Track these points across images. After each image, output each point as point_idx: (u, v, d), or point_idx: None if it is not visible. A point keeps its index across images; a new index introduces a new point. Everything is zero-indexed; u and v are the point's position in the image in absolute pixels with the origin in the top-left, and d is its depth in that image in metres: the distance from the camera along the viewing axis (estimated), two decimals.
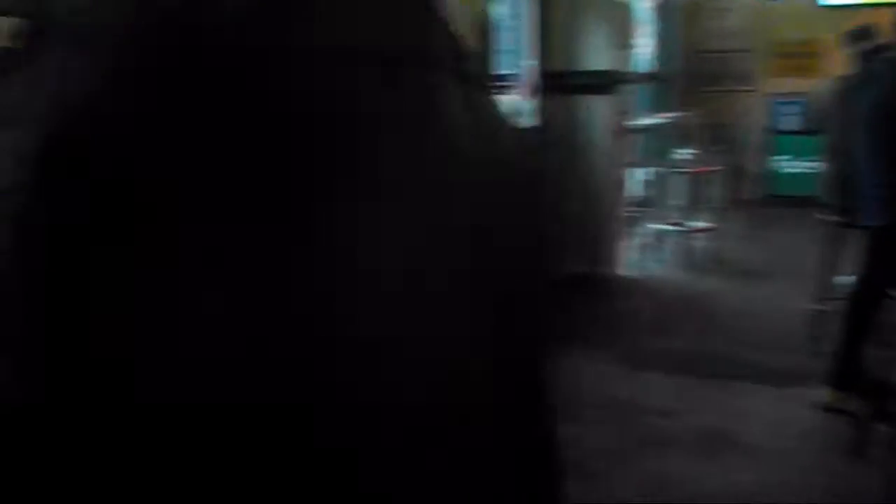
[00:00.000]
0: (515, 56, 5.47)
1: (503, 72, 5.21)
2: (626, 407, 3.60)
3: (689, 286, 5.46)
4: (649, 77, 8.01)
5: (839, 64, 4.43)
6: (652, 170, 6.56)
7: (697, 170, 6.48)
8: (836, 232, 4.13)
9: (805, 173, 7.42)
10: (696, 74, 8.84)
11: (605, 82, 5.27)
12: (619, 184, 5.70)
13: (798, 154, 7.87)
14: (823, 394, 3.58)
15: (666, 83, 8.52)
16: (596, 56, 5.25)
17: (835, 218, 4.04)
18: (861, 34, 3.94)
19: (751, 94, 8.64)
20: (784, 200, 7.65)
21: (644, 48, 7.92)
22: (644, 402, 3.63)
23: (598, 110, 5.25)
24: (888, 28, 3.60)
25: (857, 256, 3.61)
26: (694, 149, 6.56)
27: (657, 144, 7.76)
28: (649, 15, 8.09)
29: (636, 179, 6.20)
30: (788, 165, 8.16)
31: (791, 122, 8.25)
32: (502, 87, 4.77)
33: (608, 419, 3.46)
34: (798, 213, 6.99)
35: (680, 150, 6.85)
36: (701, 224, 6.26)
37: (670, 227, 6.30)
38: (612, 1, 5.25)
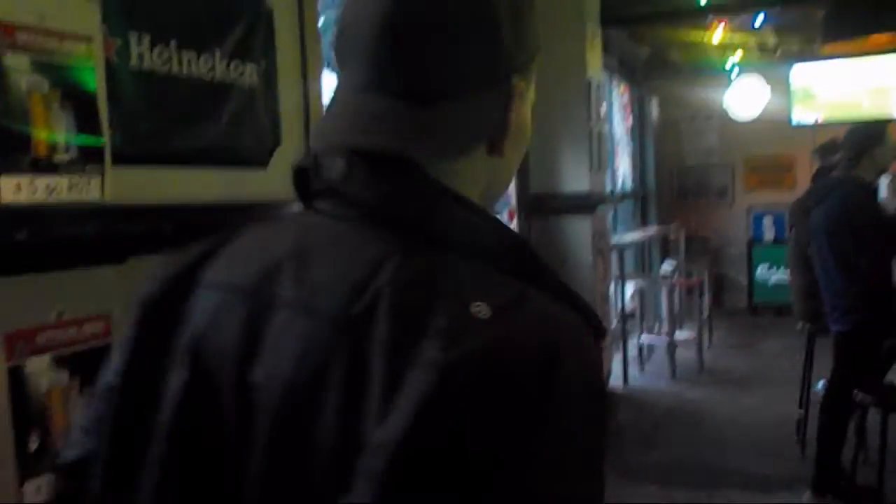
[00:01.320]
0: None
1: None
2: None
3: (677, 396, 5.55)
4: (630, 195, 8.37)
5: (810, 178, 4.72)
6: (637, 283, 6.76)
7: (681, 281, 6.68)
8: (810, 339, 4.29)
9: (785, 282, 7.64)
10: (678, 190, 9.24)
11: (585, 202, 5.54)
12: (605, 299, 5.89)
13: (777, 264, 8.11)
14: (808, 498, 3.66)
15: (646, 199, 8.89)
16: (575, 177, 5.55)
17: (807, 325, 4.21)
18: (827, 150, 4.22)
19: (730, 207, 8.98)
20: (767, 309, 7.83)
21: (623, 168, 8.32)
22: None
23: (580, 230, 5.50)
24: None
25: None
26: (677, 261, 6.79)
27: (642, 259, 8.03)
28: (626, 136, 8.55)
29: (622, 294, 6.39)
30: (769, 275, 8.40)
31: (769, 232, 8.56)
32: None
33: None
34: (780, 321, 7.16)
35: (664, 263, 7.09)
36: (686, 335, 6.41)
37: (657, 339, 6.45)
38: (588, 124, 5.58)
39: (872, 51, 6.61)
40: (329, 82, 3.25)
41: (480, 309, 0.57)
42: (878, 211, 3.54)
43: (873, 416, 3.64)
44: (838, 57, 7.74)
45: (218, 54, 2.58)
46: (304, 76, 3.10)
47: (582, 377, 0.59)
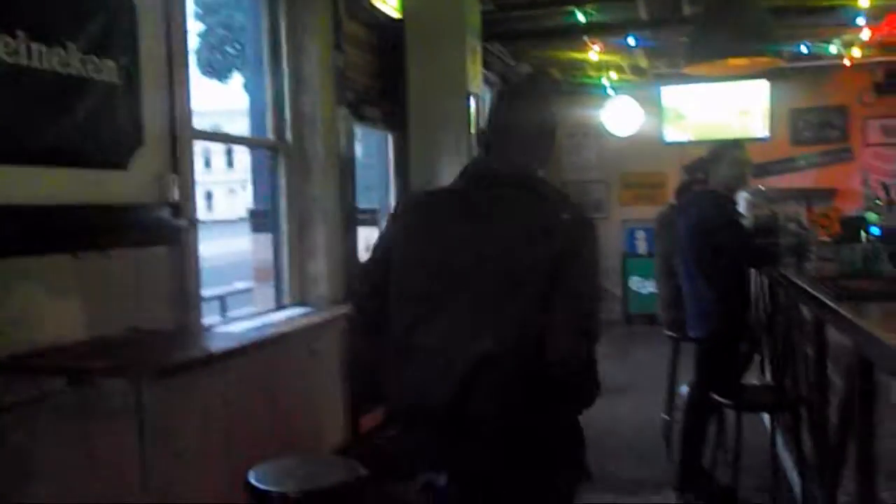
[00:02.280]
0: (378, 191, 5.79)
1: (365, 206, 5.48)
2: None
3: None
4: None
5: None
6: None
7: None
8: (675, 346, 4.49)
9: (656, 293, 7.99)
10: None
11: None
12: None
13: (649, 275, 8.46)
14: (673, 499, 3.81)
15: None
16: None
17: (672, 333, 4.40)
18: (693, 167, 4.43)
19: (606, 221, 9.30)
20: (640, 319, 8.14)
21: None
22: None
23: None
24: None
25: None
26: None
27: None
28: None
29: None
30: (642, 286, 8.76)
31: (642, 246, 8.94)
32: (365, 220, 5.01)
33: None
34: (653, 330, 7.44)
35: None
36: None
37: None
38: (469, 136, 5.66)
39: (733, 74, 7.04)
40: (199, 85, 3.16)
41: (567, 214, 1.79)
42: (732, 221, 3.75)
43: (732, 418, 3.84)
44: (702, 80, 8.20)
45: (73, 48, 2.45)
46: (171, 76, 2.99)
47: (594, 233, 1.82)
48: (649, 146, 9.20)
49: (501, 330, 1.68)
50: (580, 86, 9.29)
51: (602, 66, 8.43)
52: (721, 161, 3.75)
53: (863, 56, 7.75)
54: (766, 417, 4.16)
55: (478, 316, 1.71)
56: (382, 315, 1.84)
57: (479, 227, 1.78)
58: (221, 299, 7.41)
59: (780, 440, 3.94)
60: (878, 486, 2.37)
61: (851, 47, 7.51)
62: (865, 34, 6.91)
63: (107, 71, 2.60)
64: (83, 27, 2.51)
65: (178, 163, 3.00)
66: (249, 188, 5.81)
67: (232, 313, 5.51)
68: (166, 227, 2.94)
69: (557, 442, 1.80)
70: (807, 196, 8.49)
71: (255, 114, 4.40)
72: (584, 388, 1.81)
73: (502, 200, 1.80)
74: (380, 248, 1.97)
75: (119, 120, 2.68)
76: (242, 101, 4.59)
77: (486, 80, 7.13)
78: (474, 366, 1.67)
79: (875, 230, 3.92)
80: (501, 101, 2.13)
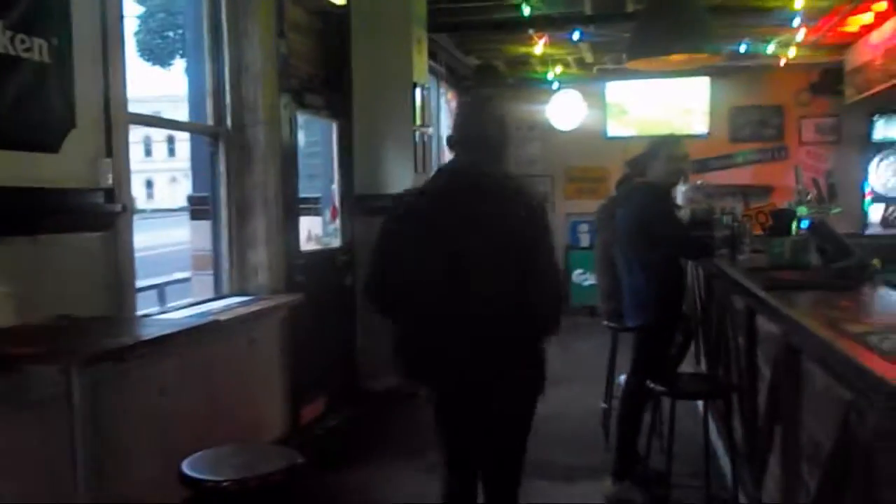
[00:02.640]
0: (322, 180, 5.75)
1: (309, 195, 5.44)
2: None
3: None
4: None
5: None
6: None
7: None
8: (614, 336, 4.56)
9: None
10: None
11: None
12: None
13: (591, 268, 8.58)
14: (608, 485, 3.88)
15: None
16: (399, 179, 5.60)
17: (611, 324, 4.47)
18: (634, 162, 4.50)
19: (550, 215, 9.37)
20: (582, 310, 8.26)
21: None
22: None
23: None
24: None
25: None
26: None
27: None
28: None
29: None
30: (583, 278, 8.89)
31: (585, 239, 9.06)
32: (307, 209, 4.97)
33: None
34: (594, 321, 7.55)
35: None
36: None
37: None
38: (412, 127, 5.65)
39: (673, 70, 7.17)
40: (134, 69, 3.09)
41: (534, 201, 2.53)
42: (668, 213, 3.83)
43: (667, 406, 3.92)
44: (646, 76, 8.34)
45: (0, 24, 2.37)
46: (105, 57, 2.92)
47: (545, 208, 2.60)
48: (593, 141, 9.32)
49: (505, 286, 2.39)
50: (526, 80, 9.36)
51: (548, 61, 8.50)
52: (658, 156, 3.83)
53: (798, 56, 7.98)
54: (700, 405, 4.27)
55: (486, 280, 2.40)
56: (397, 296, 2.48)
57: (477, 217, 2.40)
58: (160, 289, 7.28)
59: (712, 427, 4.05)
60: (802, 471, 2.45)
61: (788, 48, 7.72)
62: (800, 35, 7.11)
63: (37, 49, 2.53)
64: (12, 3, 2.43)
65: (113, 147, 2.93)
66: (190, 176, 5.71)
67: (170, 303, 5.41)
68: (99, 213, 2.87)
69: (532, 359, 2.56)
70: (744, 193, 8.74)
71: (195, 99, 4.33)
72: (557, 316, 2.54)
73: (489, 195, 2.44)
74: (390, 243, 2.49)
75: (50, 101, 2.60)
76: (185, 88, 4.50)
77: (432, 71, 7.13)
78: (488, 318, 2.39)
79: (804, 223, 4.04)
80: (471, 112, 2.74)
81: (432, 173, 3.10)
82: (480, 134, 2.54)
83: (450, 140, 2.63)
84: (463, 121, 2.68)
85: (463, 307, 2.39)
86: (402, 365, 2.56)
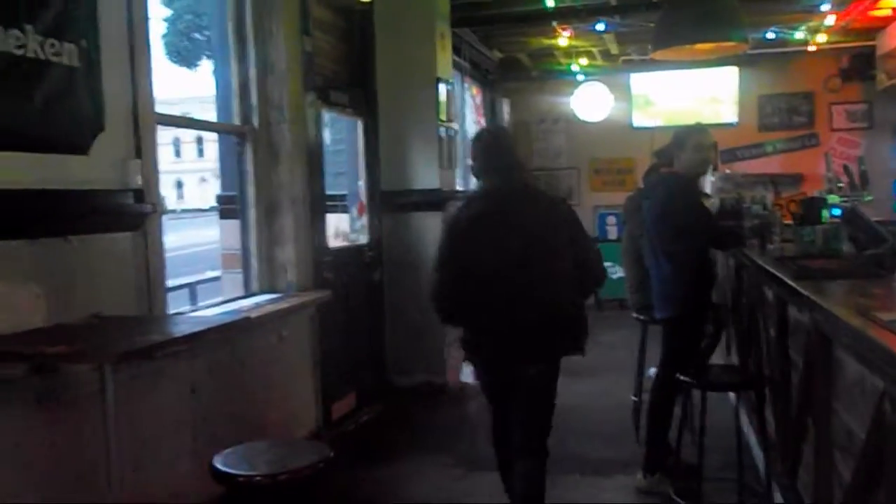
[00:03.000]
0: (348, 177, 5.78)
1: (335, 192, 5.47)
2: None
3: None
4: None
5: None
6: None
7: None
8: (643, 328, 4.53)
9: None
10: None
11: (434, 199, 5.61)
12: None
13: (619, 261, 8.52)
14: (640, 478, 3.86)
15: None
16: (425, 175, 5.61)
17: (640, 316, 4.45)
18: (662, 152, 4.46)
19: (577, 208, 9.34)
20: (611, 303, 8.21)
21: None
22: (481, 500, 3.77)
23: (429, 225, 5.56)
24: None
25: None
26: None
27: None
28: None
29: None
30: (613, 271, 8.81)
31: (613, 231, 9.00)
32: (334, 206, 5.00)
33: None
34: (623, 314, 7.51)
35: None
36: None
37: None
38: (437, 123, 5.66)
39: (699, 60, 7.10)
40: (162, 71, 3.12)
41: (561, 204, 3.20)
42: (695, 203, 3.79)
43: (697, 398, 3.89)
44: (672, 67, 8.26)
45: (31, 30, 2.41)
46: (133, 60, 2.96)
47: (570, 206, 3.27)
48: (619, 132, 9.25)
49: (563, 265, 2.99)
50: (550, 72, 9.32)
51: (572, 53, 8.46)
52: (684, 145, 3.78)
53: (828, 42, 7.86)
54: (733, 397, 4.23)
55: (534, 277, 2.94)
56: (458, 292, 3.00)
57: (523, 224, 2.98)
58: (192, 288, 7.36)
59: (744, 419, 4.01)
60: (836, 461, 2.42)
61: (817, 33, 7.60)
62: (830, 20, 7.00)
63: (67, 54, 2.57)
64: (42, 9, 2.47)
65: (142, 148, 2.97)
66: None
67: (201, 302, 5.48)
68: (129, 213, 2.91)
69: (578, 327, 3.10)
70: (774, 182, 8.60)
71: (222, 100, 4.37)
72: (599, 275, 3.21)
73: (527, 205, 3.06)
74: (451, 248, 3.05)
75: (79, 104, 2.64)
76: (212, 88, 4.54)
77: (456, 66, 7.13)
78: (539, 305, 2.96)
79: (836, 211, 3.98)
80: (492, 144, 3.20)
81: (469, 197, 3.47)
82: (503, 162, 3.09)
83: (475, 170, 3.17)
84: (484, 153, 3.16)
85: (528, 291, 2.94)
86: (469, 353, 3.15)
